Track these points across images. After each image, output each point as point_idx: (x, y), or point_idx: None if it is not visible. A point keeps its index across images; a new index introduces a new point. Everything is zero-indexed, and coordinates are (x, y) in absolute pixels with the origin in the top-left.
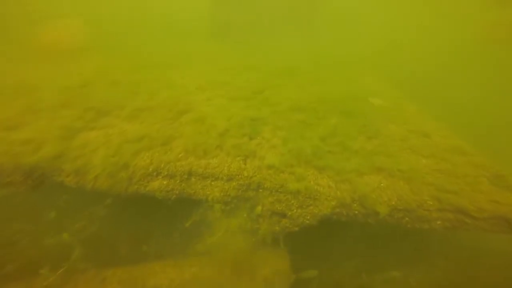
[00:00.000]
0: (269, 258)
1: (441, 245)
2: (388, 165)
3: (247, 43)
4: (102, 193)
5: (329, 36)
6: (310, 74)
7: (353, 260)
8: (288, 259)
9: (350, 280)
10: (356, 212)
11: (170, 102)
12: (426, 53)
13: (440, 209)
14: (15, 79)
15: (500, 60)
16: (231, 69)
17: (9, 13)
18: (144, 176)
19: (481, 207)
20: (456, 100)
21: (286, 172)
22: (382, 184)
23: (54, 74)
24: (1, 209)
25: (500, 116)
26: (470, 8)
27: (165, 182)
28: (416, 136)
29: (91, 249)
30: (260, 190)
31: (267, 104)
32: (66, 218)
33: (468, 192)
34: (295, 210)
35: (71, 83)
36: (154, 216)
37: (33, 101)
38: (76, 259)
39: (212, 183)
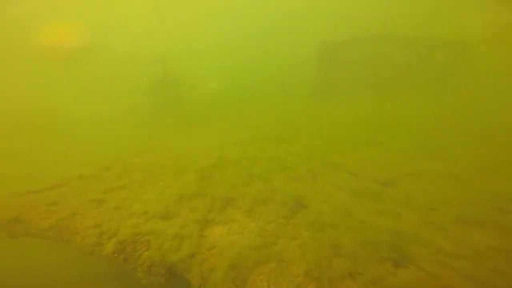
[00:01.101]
0: None
1: None
2: None
3: (362, 106)
4: None
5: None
6: (464, 155)
7: None
8: None
9: None
10: None
11: (284, 190)
12: None
13: None
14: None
15: None
16: (347, 143)
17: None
18: None
19: None
20: None
21: None
22: None
23: (196, 149)
24: None
25: None
26: None
27: None
28: None
29: None
30: None
31: (409, 207)
32: None
33: None
34: None
35: (208, 163)
36: None
37: (180, 185)
38: None
39: None
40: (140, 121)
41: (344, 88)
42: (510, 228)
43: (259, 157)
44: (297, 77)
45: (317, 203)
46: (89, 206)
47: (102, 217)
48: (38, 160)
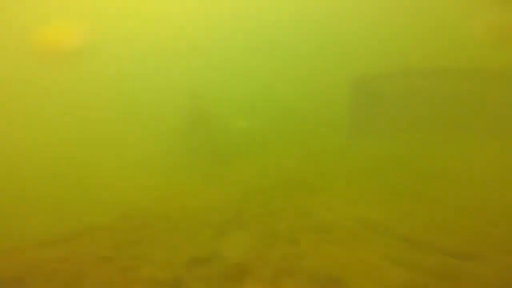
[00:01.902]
0: None
1: None
2: None
3: (407, 148)
4: None
5: None
6: None
7: None
8: None
9: None
10: None
11: (315, 258)
12: None
13: None
14: None
15: None
16: (391, 194)
17: None
18: None
19: None
20: None
21: None
22: None
23: (215, 198)
24: None
25: None
26: None
27: None
28: None
29: None
30: None
31: None
32: None
33: None
34: None
35: (226, 217)
36: None
37: (194, 244)
38: None
39: None
40: (163, 163)
41: (383, 127)
42: None
43: (285, 210)
44: (330, 115)
45: (360, 279)
46: (98, 265)
47: (108, 279)
48: (49, 207)
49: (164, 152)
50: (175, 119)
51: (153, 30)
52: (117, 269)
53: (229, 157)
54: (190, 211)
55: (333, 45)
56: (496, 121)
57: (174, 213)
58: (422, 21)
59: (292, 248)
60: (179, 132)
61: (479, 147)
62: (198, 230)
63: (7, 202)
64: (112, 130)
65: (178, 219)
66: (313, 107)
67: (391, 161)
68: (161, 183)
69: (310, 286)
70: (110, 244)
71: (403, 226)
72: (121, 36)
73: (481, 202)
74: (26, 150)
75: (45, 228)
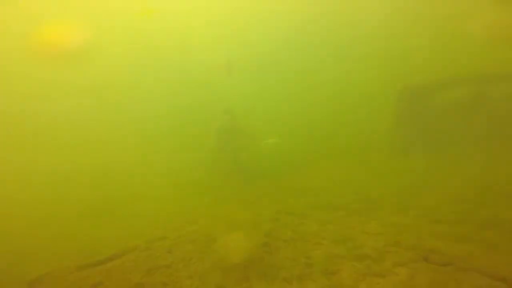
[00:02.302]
0: None
1: None
2: None
3: (461, 167)
4: None
5: None
6: None
7: None
8: None
9: None
10: None
11: None
12: None
13: None
14: None
15: None
16: (453, 222)
17: None
18: None
19: None
20: None
21: None
22: None
23: (246, 219)
24: None
25: None
26: None
27: None
28: None
29: None
30: None
31: None
32: None
33: None
34: None
35: (256, 241)
36: None
37: (223, 273)
38: None
39: None
40: (193, 183)
41: (433, 143)
42: None
43: (321, 235)
44: (372, 129)
45: None
46: None
47: None
48: (87, 229)
49: (194, 171)
50: (206, 136)
51: (183, 45)
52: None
53: (260, 176)
54: (224, 231)
55: (378, 51)
56: None
57: (209, 232)
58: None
59: (329, 281)
60: (209, 150)
61: None
62: (225, 256)
63: (36, 225)
64: (141, 148)
65: (212, 239)
66: (354, 121)
67: (445, 180)
68: (189, 205)
69: None
70: (144, 268)
71: (475, 257)
72: (150, 50)
73: None
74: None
75: (76, 253)
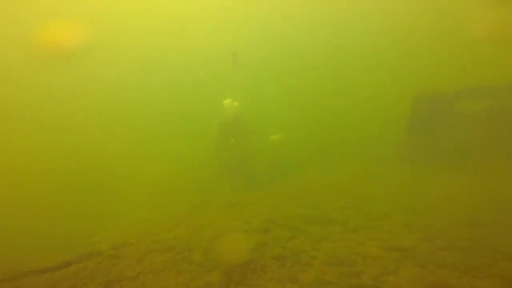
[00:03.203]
0: None
1: None
2: None
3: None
4: None
5: None
6: None
7: None
8: None
9: None
10: None
11: None
12: None
13: None
14: None
15: None
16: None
17: None
18: None
19: None
20: None
21: None
22: None
23: (233, 228)
24: None
25: None
26: None
27: None
28: None
29: None
30: None
31: None
32: None
33: None
34: None
35: (241, 257)
36: None
37: None
38: None
39: None
40: (191, 182)
41: (446, 156)
42: None
43: (313, 254)
44: (382, 137)
45: None
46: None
47: None
48: (52, 227)
49: (186, 170)
50: (209, 133)
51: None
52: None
53: (256, 178)
54: (206, 242)
55: (393, 55)
56: None
57: (187, 243)
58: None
59: None
60: (211, 148)
61: None
62: (208, 270)
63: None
64: (138, 142)
65: (190, 249)
66: (362, 127)
67: (450, 200)
68: (173, 207)
69: None
70: (104, 280)
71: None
72: (155, 45)
73: None
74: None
75: (34, 253)
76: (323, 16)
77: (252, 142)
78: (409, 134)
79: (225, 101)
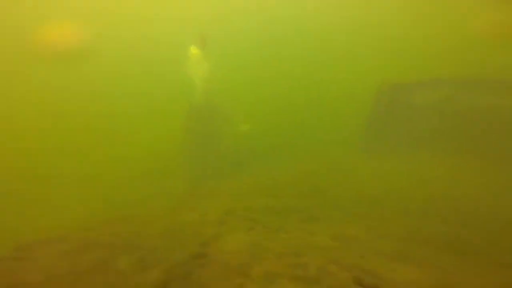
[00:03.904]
0: None
1: None
2: None
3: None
4: None
5: None
6: None
7: None
8: None
9: None
10: None
11: None
12: None
13: None
14: None
15: None
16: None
17: None
18: None
19: None
20: None
21: None
22: None
23: (188, 221)
24: None
25: None
26: None
27: None
28: None
29: None
30: None
31: None
32: None
33: None
34: None
35: (190, 252)
36: None
37: None
38: None
39: None
40: (158, 168)
41: (404, 142)
42: None
43: (267, 246)
44: (345, 127)
45: None
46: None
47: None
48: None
49: (162, 156)
50: (179, 119)
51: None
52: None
53: (220, 168)
54: (145, 239)
55: (357, 49)
56: None
57: (118, 242)
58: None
59: None
60: (182, 135)
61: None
62: (143, 268)
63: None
64: (108, 128)
65: (122, 249)
66: (326, 117)
67: (401, 189)
68: (136, 195)
69: None
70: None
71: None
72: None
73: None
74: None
75: None
76: (291, 8)
77: (223, 130)
78: (371, 124)
79: (191, 48)
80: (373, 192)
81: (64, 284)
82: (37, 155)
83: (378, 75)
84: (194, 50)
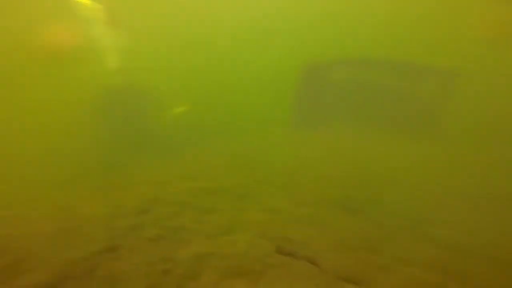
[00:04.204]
0: None
1: None
2: None
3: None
4: None
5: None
6: None
7: None
8: None
9: None
10: None
11: None
12: None
13: None
14: None
15: None
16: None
17: None
18: None
19: None
20: None
21: None
22: None
23: (99, 213)
24: None
25: None
26: None
27: None
28: None
29: None
30: None
31: None
32: None
33: None
34: None
35: (100, 246)
36: None
37: None
38: None
39: None
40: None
41: (328, 118)
42: None
43: (196, 229)
44: (273, 104)
45: None
46: None
47: None
48: None
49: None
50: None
51: None
52: None
53: (141, 153)
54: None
55: (284, 28)
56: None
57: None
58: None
59: None
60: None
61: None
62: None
63: None
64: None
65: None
66: (255, 95)
67: (322, 160)
68: (41, 185)
69: None
70: None
71: (312, 248)
72: None
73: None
74: None
75: None
76: None
77: (149, 114)
78: (298, 100)
79: None
80: (297, 163)
81: None
82: None
83: (305, 54)
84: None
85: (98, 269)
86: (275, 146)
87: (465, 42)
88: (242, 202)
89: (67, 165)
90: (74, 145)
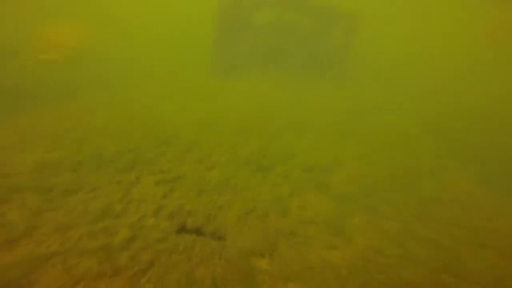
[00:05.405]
0: None
1: None
2: None
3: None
4: None
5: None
6: None
7: None
8: None
9: None
10: None
11: None
12: None
13: None
14: None
15: None
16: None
17: None
18: None
19: None
20: None
21: None
22: None
23: None
24: None
25: None
26: None
27: None
28: None
29: None
30: None
31: None
32: None
33: None
34: None
35: None
36: None
37: None
38: None
39: None
40: None
41: (247, 63)
42: None
43: (50, 217)
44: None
45: None
46: None
47: None
48: None
49: None
50: None
51: None
52: None
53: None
54: None
55: None
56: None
57: None
58: None
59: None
60: None
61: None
62: None
63: None
64: None
65: None
66: (171, 38)
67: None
68: None
69: None
70: None
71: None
72: None
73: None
74: None
75: None
76: None
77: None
78: (217, 45)
79: None
80: (210, 117)
81: None
82: None
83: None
84: None
85: None
86: (189, 95)
87: None
88: (134, 170)
89: None
90: None
